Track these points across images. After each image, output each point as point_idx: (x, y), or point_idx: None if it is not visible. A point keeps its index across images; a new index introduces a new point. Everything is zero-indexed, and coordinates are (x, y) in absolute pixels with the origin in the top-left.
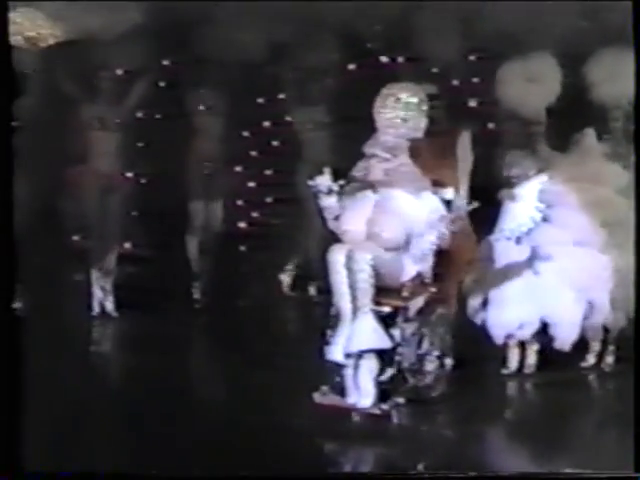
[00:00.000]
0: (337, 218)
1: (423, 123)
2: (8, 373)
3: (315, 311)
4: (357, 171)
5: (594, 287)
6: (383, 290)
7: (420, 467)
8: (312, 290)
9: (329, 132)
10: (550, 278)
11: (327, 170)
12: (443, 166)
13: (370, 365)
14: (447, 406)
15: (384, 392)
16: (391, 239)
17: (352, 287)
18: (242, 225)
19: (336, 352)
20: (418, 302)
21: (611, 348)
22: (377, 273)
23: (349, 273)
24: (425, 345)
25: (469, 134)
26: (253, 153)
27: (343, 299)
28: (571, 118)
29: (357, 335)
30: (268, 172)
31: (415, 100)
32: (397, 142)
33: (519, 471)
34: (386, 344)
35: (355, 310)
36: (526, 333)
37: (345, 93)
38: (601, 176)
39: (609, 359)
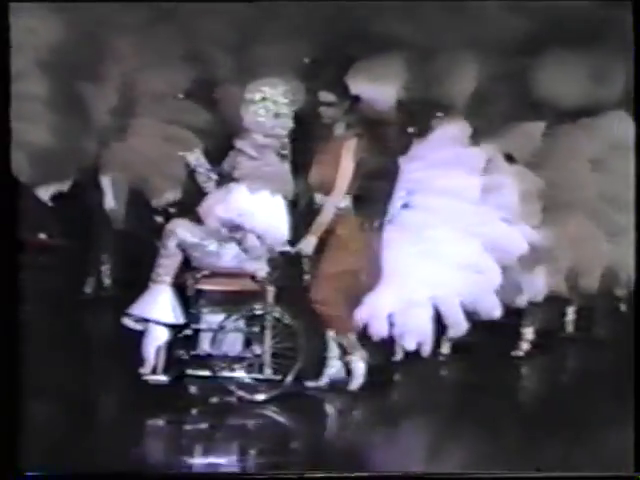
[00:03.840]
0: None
1: (290, 121)
2: (8, 373)
3: None
4: (227, 163)
5: (445, 293)
6: (192, 271)
7: None
8: None
9: None
10: (402, 272)
11: (197, 150)
12: (327, 170)
13: (154, 335)
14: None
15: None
16: (211, 223)
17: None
18: None
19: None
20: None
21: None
22: (187, 254)
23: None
24: (261, 345)
25: (355, 141)
26: None
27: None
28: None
29: (142, 303)
30: None
31: (282, 98)
32: (265, 141)
33: (519, 471)
34: (166, 319)
35: (154, 281)
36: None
37: None
38: (460, 161)
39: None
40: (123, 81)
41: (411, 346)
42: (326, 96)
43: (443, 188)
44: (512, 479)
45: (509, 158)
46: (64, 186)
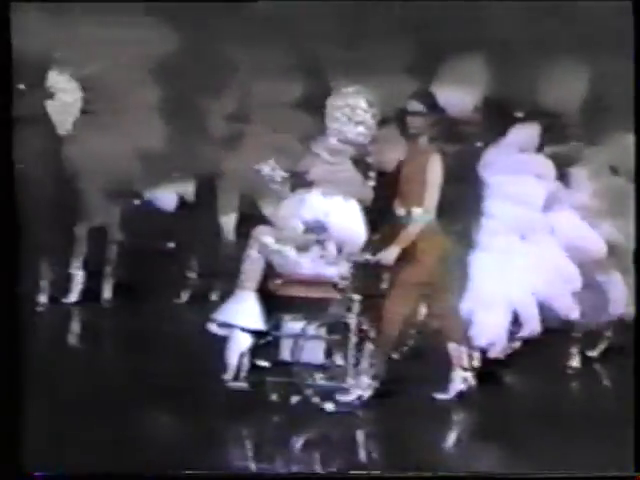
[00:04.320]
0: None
1: (372, 130)
2: (8, 373)
3: None
4: (301, 167)
5: (521, 293)
6: (273, 277)
7: None
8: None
9: None
10: (481, 277)
11: (271, 161)
12: (411, 182)
13: (238, 341)
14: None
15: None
16: (285, 229)
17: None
18: None
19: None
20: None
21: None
22: (267, 260)
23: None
24: (343, 354)
25: (440, 157)
26: None
27: (238, 276)
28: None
29: (227, 308)
30: None
31: (365, 107)
32: (342, 147)
33: (519, 472)
34: (250, 325)
35: (239, 288)
36: None
37: None
38: (535, 168)
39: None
40: (237, 90)
41: (480, 344)
42: (414, 105)
43: (510, 194)
44: (512, 479)
45: (613, 170)
46: (181, 193)
